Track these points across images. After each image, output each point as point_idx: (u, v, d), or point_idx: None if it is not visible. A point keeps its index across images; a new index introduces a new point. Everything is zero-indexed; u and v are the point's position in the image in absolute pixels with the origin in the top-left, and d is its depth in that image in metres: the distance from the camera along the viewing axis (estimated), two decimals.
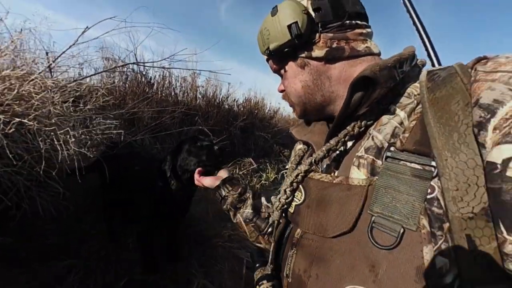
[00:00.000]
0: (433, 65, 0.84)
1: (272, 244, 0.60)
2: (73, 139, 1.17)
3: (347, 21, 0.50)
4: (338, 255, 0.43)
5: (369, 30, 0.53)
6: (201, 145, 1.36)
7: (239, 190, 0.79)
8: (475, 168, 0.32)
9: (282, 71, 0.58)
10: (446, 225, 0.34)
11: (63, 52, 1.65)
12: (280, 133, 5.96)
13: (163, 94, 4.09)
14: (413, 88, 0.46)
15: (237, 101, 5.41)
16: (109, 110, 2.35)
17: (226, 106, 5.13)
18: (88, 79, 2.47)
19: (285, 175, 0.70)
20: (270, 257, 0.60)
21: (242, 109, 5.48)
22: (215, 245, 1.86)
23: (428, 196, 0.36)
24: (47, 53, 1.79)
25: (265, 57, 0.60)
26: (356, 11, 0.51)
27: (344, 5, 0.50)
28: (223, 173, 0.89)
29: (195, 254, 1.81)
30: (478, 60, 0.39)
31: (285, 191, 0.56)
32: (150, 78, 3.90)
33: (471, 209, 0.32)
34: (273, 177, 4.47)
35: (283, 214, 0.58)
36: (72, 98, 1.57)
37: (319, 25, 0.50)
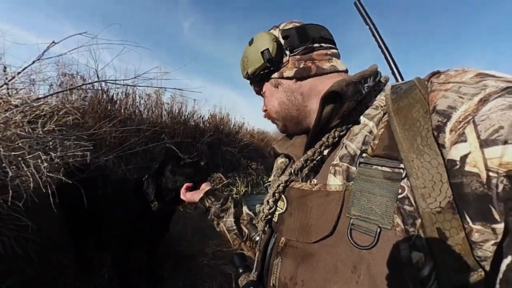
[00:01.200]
0: (396, 80, 0.91)
1: (257, 254, 0.61)
2: (45, 164, 1.02)
3: (311, 45, 0.55)
4: (322, 259, 0.44)
5: (334, 51, 0.59)
6: (186, 163, 1.30)
7: (221, 200, 0.82)
8: (438, 167, 0.35)
9: (262, 92, 0.63)
10: (418, 221, 0.36)
11: (26, 67, 1.45)
12: (247, 147, 5.98)
13: (127, 112, 3.85)
14: (379, 101, 0.50)
15: (202, 117, 5.33)
16: (69, 130, 2.13)
17: (192, 123, 5.02)
18: (46, 98, 2.21)
19: (268, 188, 0.71)
20: (255, 265, 0.61)
21: (208, 125, 5.41)
22: (200, 264, 1.75)
23: (399, 196, 0.38)
24: (5, 68, 1.55)
25: (249, 81, 0.66)
26: (319, 36, 0.57)
27: (308, 32, 0.56)
28: (205, 186, 0.93)
29: (180, 275, 1.68)
30: (433, 74, 0.43)
31: (268, 201, 0.58)
32: (113, 96, 3.64)
33: (439, 203, 0.34)
34: (243, 190, 4.43)
35: (268, 224, 0.59)
36: (32, 118, 1.39)
37: (288, 50, 0.56)
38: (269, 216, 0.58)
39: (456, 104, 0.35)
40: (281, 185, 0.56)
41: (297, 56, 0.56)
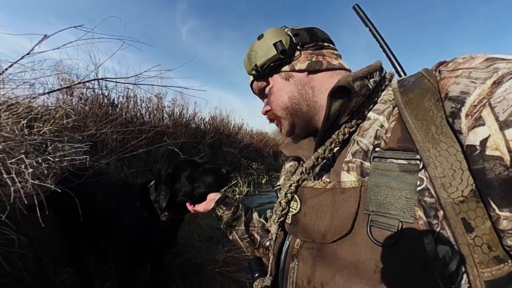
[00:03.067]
0: (400, 76, 0.85)
1: (271, 258, 0.57)
2: (30, 170, 0.84)
3: (321, 42, 0.56)
4: (341, 259, 0.40)
5: (338, 52, 0.58)
6: (205, 169, 1.12)
7: (232, 209, 0.79)
8: (457, 154, 0.33)
9: (267, 88, 0.59)
10: (441, 213, 0.33)
11: (15, 62, 1.26)
12: (247, 147, 5.84)
13: (128, 115, 3.67)
14: (387, 95, 0.48)
15: (203, 119, 5.17)
16: (68, 133, 1.95)
17: (193, 125, 4.86)
18: (42, 100, 2.02)
19: (278, 191, 0.68)
20: (269, 269, 0.57)
21: (209, 126, 5.25)
22: (211, 272, 1.56)
23: (419, 188, 0.35)
24: None
25: (250, 80, 0.63)
26: (326, 37, 0.58)
27: (316, 32, 0.56)
28: (213, 195, 0.87)
29: (191, 286, 1.49)
30: (440, 63, 0.41)
31: (280, 203, 0.53)
32: (114, 99, 3.46)
33: (461, 192, 0.32)
34: (245, 190, 4.27)
35: (281, 227, 0.55)
36: (24, 120, 1.20)
37: (299, 45, 0.55)
38: (282, 218, 0.54)
39: (469, 89, 0.33)
40: (293, 185, 0.52)
41: (309, 51, 0.55)
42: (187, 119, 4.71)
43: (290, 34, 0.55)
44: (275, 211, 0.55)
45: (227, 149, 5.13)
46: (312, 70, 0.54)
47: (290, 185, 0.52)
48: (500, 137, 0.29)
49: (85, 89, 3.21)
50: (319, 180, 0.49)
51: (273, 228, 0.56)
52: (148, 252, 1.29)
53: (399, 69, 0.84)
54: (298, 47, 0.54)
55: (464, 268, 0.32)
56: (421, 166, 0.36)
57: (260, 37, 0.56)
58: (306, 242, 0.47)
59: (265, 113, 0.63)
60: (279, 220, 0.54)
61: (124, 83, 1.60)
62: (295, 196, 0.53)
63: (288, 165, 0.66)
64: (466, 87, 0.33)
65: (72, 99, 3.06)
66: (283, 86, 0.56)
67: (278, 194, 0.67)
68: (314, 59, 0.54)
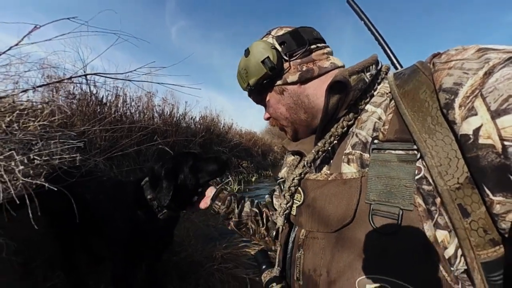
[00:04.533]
0: (396, 68, 0.85)
1: (279, 249, 0.57)
2: (21, 167, 0.76)
3: (309, 46, 0.53)
4: (345, 248, 0.41)
5: (328, 49, 0.56)
6: (209, 158, 1.08)
7: (226, 202, 0.80)
8: (452, 143, 0.33)
9: (266, 101, 0.59)
10: (438, 200, 0.34)
11: (2, 53, 1.14)
12: (237, 146, 5.78)
13: (117, 114, 3.51)
14: (384, 88, 0.47)
15: (194, 119, 5.07)
16: (55, 132, 1.82)
17: (184, 124, 4.74)
18: (27, 97, 1.87)
19: (281, 184, 0.69)
20: (277, 260, 0.57)
21: (199, 126, 5.15)
22: (209, 270, 1.50)
23: (417, 177, 0.36)
24: None
25: (247, 93, 0.62)
26: (313, 37, 0.54)
27: (302, 35, 0.53)
28: (210, 191, 0.87)
29: (188, 285, 1.42)
30: (434, 56, 0.41)
31: (284, 196, 0.54)
32: (102, 98, 3.30)
33: (457, 180, 0.33)
34: (236, 188, 4.22)
35: (286, 219, 0.56)
36: (10, 117, 1.10)
37: (287, 55, 0.53)
38: (288, 210, 0.54)
39: (462, 80, 0.33)
40: (295, 178, 0.52)
41: (298, 60, 0.53)
42: (177, 118, 4.59)
43: (277, 45, 0.53)
44: (280, 204, 0.55)
45: (217, 148, 5.06)
46: (304, 80, 0.53)
47: (293, 179, 0.53)
48: (491, 126, 0.30)
49: (72, 87, 3.05)
50: (321, 173, 0.49)
51: (279, 221, 0.56)
52: (144, 252, 1.22)
53: (395, 62, 0.84)
54: (286, 58, 0.53)
55: (461, 251, 0.33)
56: (418, 156, 0.36)
57: (247, 53, 0.55)
58: (311, 232, 0.47)
59: (267, 119, 0.63)
60: (285, 213, 0.54)
61: (116, 78, 1.51)
62: (299, 188, 0.53)
63: (290, 158, 0.65)
64: (459, 78, 0.33)
65: (58, 96, 2.88)
66: (279, 100, 0.56)
67: (282, 187, 0.69)
68: (304, 68, 0.53)
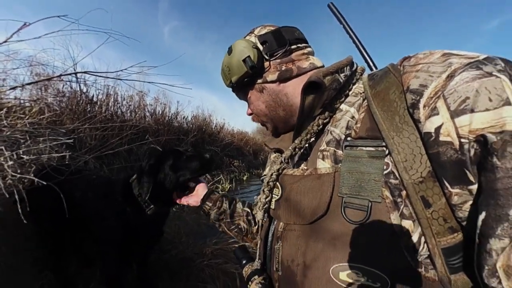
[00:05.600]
0: (371, 70, 0.87)
1: (259, 242, 0.58)
2: (10, 162, 0.74)
3: (289, 47, 0.54)
4: (319, 238, 0.43)
5: (309, 49, 0.57)
6: (188, 156, 1.06)
7: (217, 203, 0.79)
8: (416, 141, 0.35)
9: (247, 98, 0.60)
10: (404, 192, 0.36)
11: None
12: (228, 146, 5.77)
13: (108, 113, 3.44)
14: (358, 88, 0.50)
15: (186, 118, 5.03)
16: (44, 129, 1.77)
17: (176, 124, 4.70)
18: (14, 94, 1.82)
19: (264, 180, 0.68)
20: (257, 253, 0.58)
21: (191, 125, 5.11)
22: (200, 266, 1.50)
23: (385, 171, 0.38)
24: None
25: (231, 89, 0.63)
26: (295, 37, 0.55)
27: (284, 35, 0.54)
28: (201, 190, 0.86)
29: (179, 281, 1.42)
30: (404, 59, 0.43)
31: (263, 191, 0.56)
32: (93, 97, 3.23)
33: (420, 174, 0.35)
34: (228, 187, 4.22)
35: (266, 213, 0.57)
36: None
37: (268, 55, 0.54)
38: (267, 205, 0.56)
39: (427, 82, 0.35)
40: (274, 173, 0.54)
41: (278, 60, 0.54)
42: (169, 117, 4.54)
43: (258, 45, 0.54)
44: (260, 199, 0.57)
45: (209, 147, 5.03)
46: (283, 79, 0.54)
47: (272, 174, 0.54)
48: (451, 125, 0.32)
49: (62, 85, 2.97)
50: (298, 168, 0.51)
51: (259, 215, 0.57)
52: (134, 249, 1.20)
53: (371, 64, 0.85)
54: (267, 58, 0.54)
55: (424, 238, 0.35)
56: (387, 152, 0.38)
57: (230, 51, 0.56)
58: (288, 225, 0.49)
59: (249, 114, 0.65)
60: (264, 207, 0.56)
61: (107, 77, 1.48)
62: (277, 183, 0.54)
63: (273, 156, 0.67)
64: (424, 80, 0.35)
65: (48, 95, 2.80)
66: (259, 97, 0.58)
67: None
68: (284, 68, 0.54)
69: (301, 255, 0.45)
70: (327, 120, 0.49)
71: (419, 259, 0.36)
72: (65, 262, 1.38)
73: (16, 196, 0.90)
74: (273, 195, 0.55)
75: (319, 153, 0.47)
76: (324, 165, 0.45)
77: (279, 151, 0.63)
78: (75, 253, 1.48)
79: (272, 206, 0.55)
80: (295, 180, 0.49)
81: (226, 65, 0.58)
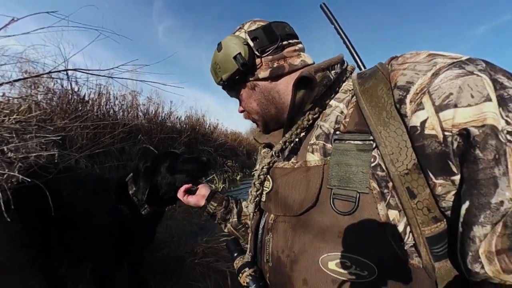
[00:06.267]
0: (360, 69, 0.88)
1: (250, 235, 0.58)
2: None
3: (281, 43, 0.53)
4: (309, 229, 0.43)
5: (300, 45, 0.57)
6: (185, 159, 1.04)
7: (224, 203, 0.77)
8: (403, 134, 0.37)
9: (239, 95, 0.60)
10: (390, 184, 0.37)
11: None
12: (222, 146, 5.74)
13: (100, 113, 3.37)
14: (348, 85, 0.50)
15: (179, 118, 4.98)
16: (32, 128, 1.72)
17: (169, 124, 4.65)
18: (2, 92, 1.76)
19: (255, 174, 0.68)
20: (248, 246, 0.58)
21: (185, 126, 5.07)
22: (191, 264, 1.48)
23: (372, 164, 0.39)
24: None
25: (222, 87, 0.62)
26: (286, 33, 0.55)
27: (275, 30, 0.54)
28: (204, 190, 0.82)
29: (170, 280, 1.39)
30: (392, 58, 0.44)
31: (254, 184, 0.56)
32: (84, 96, 3.16)
33: (406, 166, 0.36)
34: (221, 187, 4.20)
35: (257, 206, 0.57)
36: None
37: (259, 51, 0.53)
38: (258, 198, 0.56)
39: (413, 79, 0.36)
40: (264, 167, 0.54)
41: (269, 57, 0.53)
42: (162, 117, 4.49)
43: (249, 41, 0.53)
44: (251, 191, 0.57)
45: (202, 147, 5.00)
46: (275, 76, 0.54)
47: (262, 168, 0.54)
48: (435, 119, 0.33)
49: (52, 83, 2.90)
50: (288, 162, 0.51)
51: (250, 208, 0.57)
52: (127, 249, 1.18)
53: (360, 64, 0.87)
54: (258, 54, 0.53)
55: (409, 228, 0.37)
56: (374, 145, 0.39)
57: (219, 48, 0.55)
58: (279, 216, 0.49)
59: (241, 112, 0.64)
60: (255, 200, 0.56)
61: (98, 75, 1.45)
62: (268, 176, 0.54)
63: (263, 151, 0.67)
64: (411, 77, 0.37)
65: (37, 92, 2.72)
66: (250, 95, 0.57)
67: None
68: (275, 65, 0.53)
69: (290, 246, 0.45)
70: (317, 115, 0.50)
71: (405, 248, 0.37)
72: (54, 262, 1.35)
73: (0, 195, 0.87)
74: (264, 188, 0.55)
75: (308, 146, 0.47)
76: (313, 158, 0.46)
77: (269, 146, 0.63)
78: (65, 252, 1.44)
79: (263, 199, 0.55)
80: (285, 172, 0.50)
81: (216, 62, 0.57)
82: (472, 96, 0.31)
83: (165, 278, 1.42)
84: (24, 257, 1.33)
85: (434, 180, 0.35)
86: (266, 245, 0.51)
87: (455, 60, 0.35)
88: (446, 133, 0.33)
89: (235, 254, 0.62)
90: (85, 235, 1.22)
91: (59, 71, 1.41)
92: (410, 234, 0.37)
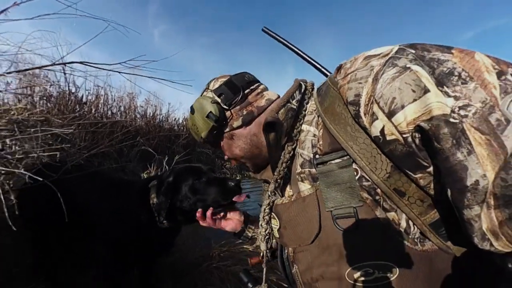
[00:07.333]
0: (326, 76, 0.80)
1: (265, 269, 0.60)
2: None
3: (243, 92, 0.57)
4: (327, 252, 0.45)
5: (262, 86, 0.61)
6: (210, 180, 0.92)
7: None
8: (371, 144, 0.38)
9: (221, 146, 0.63)
10: (379, 190, 0.39)
11: None
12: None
13: (98, 114, 3.29)
14: (311, 106, 0.53)
15: (177, 120, 4.91)
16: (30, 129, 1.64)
17: (167, 126, 4.57)
18: None
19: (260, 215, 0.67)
20: (264, 277, 0.59)
21: (182, 128, 4.98)
22: (208, 269, 1.41)
23: (357, 177, 0.41)
24: None
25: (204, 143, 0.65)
26: (246, 81, 0.59)
27: (236, 83, 0.58)
28: (233, 213, 0.78)
29: (186, 286, 1.32)
30: (337, 70, 0.45)
31: (261, 225, 0.58)
32: (82, 97, 3.08)
33: (385, 171, 0.38)
34: None
35: (267, 243, 0.60)
36: None
37: (227, 105, 0.57)
38: (268, 236, 0.59)
39: (359, 91, 0.38)
40: (266, 208, 0.56)
41: (237, 107, 0.57)
42: (160, 120, 4.41)
43: (216, 98, 0.57)
44: (260, 232, 0.59)
45: (201, 149, 4.92)
46: (247, 121, 0.57)
47: (264, 209, 0.57)
48: (390, 125, 0.35)
49: (49, 85, 2.80)
50: (285, 196, 0.54)
51: (262, 246, 0.59)
52: (141, 258, 1.11)
53: (323, 70, 0.77)
54: (227, 108, 0.57)
55: (411, 221, 0.39)
56: (352, 160, 0.41)
57: (192, 111, 0.60)
58: (296, 248, 0.51)
59: (227, 160, 0.67)
60: (266, 238, 0.59)
61: (103, 69, 1.39)
62: (273, 214, 0.57)
63: (264, 185, 0.69)
64: (356, 89, 0.38)
65: (33, 94, 2.63)
66: (231, 144, 0.60)
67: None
68: (245, 112, 0.57)
69: (317, 271, 0.47)
70: (295, 144, 0.52)
71: (414, 239, 0.39)
72: (59, 266, 1.26)
73: (1, 196, 0.80)
74: (273, 226, 0.57)
75: (297, 176, 0.50)
76: (305, 187, 0.48)
77: (266, 181, 0.65)
78: (71, 257, 1.35)
79: (277, 235, 0.57)
80: (286, 208, 0.52)
81: (193, 124, 0.61)
82: (414, 91, 0.32)
83: (178, 282, 1.35)
84: (28, 262, 1.24)
85: (413, 175, 0.36)
86: (295, 277, 0.52)
87: (387, 58, 0.36)
88: (404, 135, 0.34)
89: (250, 286, 0.65)
90: (99, 239, 1.13)
91: (65, 64, 1.35)
92: (414, 226, 0.39)
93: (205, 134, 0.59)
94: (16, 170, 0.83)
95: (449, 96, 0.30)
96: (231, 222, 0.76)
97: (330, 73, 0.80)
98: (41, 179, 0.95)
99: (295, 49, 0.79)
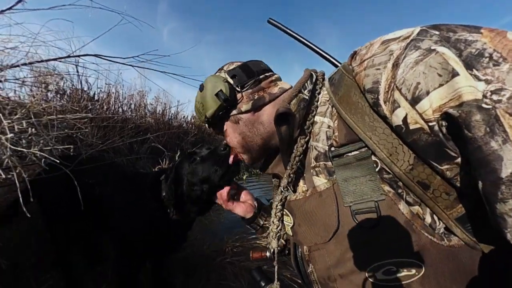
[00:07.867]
0: (336, 66, 0.78)
1: (276, 267, 0.57)
2: (10, 135, 0.64)
3: (258, 77, 0.55)
4: (345, 250, 0.41)
5: (276, 76, 0.59)
6: (203, 158, 0.86)
7: None
8: (392, 134, 0.36)
9: (224, 131, 0.60)
10: (401, 183, 0.37)
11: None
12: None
13: (109, 112, 3.33)
14: (324, 96, 0.50)
15: (186, 118, 4.94)
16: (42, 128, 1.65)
17: (176, 124, 4.60)
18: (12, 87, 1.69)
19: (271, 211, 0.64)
20: (276, 276, 0.57)
21: (191, 125, 5.01)
22: (221, 264, 1.38)
23: (377, 169, 0.38)
24: None
25: (207, 125, 0.62)
26: (261, 68, 0.57)
27: (251, 67, 0.56)
28: (247, 197, 0.74)
29: (199, 279, 1.29)
30: (352, 56, 0.43)
31: (273, 222, 0.55)
32: (94, 94, 3.13)
33: (408, 162, 0.35)
34: None
35: (279, 240, 0.56)
36: None
37: (239, 87, 0.54)
38: (279, 234, 0.56)
39: (378, 77, 0.35)
40: (278, 204, 0.54)
41: (249, 90, 0.55)
42: (169, 117, 4.44)
43: (228, 79, 0.55)
44: (271, 229, 0.56)
45: (209, 147, 4.94)
46: (257, 107, 0.54)
47: (276, 206, 0.54)
48: (414, 113, 0.32)
49: (62, 83, 2.84)
50: (299, 192, 0.50)
51: (273, 243, 0.56)
52: (154, 251, 1.09)
53: (332, 59, 0.75)
54: (238, 89, 0.54)
55: (436, 216, 0.36)
56: (371, 151, 0.38)
57: (201, 88, 0.57)
58: (311, 247, 0.48)
59: (225, 147, 0.66)
60: (277, 236, 0.55)
61: (117, 62, 1.39)
62: (286, 211, 0.54)
63: (273, 180, 0.66)
64: (374, 76, 0.35)
65: (47, 92, 2.67)
66: (235, 129, 0.57)
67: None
68: (256, 97, 0.54)
69: (334, 270, 0.44)
70: (308, 137, 0.49)
71: (440, 234, 0.36)
72: (73, 259, 1.26)
73: (18, 185, 0.80)
74: (286, 223, 0.54)
75: (312, 170, 0.47)
76: (321, 181, 0.45)
77: (276, 175, 0.62)
78: (86, 249, 1.35)
79: (290, 233, 0.54)
80: (300, 204, 0.49)
81: (199, 102, 0.58)
82: (440, 75, 0.30)
83: (191, 277, 1.32)
84: (41, 255, 1.25)
85: (439, 167, 0.33)
86: (311, 277, 0.49)
87: (408, 41, 0.33)
88: (430, 123, 0.31)
89: (263, 284, 0.62)
90: (115, 232, 1.12)
91: (79, 56, 1.35)
92: (439, 221, 0.36)
93: (211, 113, 0.56)
94: (35, 152, 0.81)
95: (479, 79, 0.28)
96: (243, 205, 0.71)
97: (339, 63, 0.75)
98: (58, 160, 0.94)
99: (301, 39, 0.76)
